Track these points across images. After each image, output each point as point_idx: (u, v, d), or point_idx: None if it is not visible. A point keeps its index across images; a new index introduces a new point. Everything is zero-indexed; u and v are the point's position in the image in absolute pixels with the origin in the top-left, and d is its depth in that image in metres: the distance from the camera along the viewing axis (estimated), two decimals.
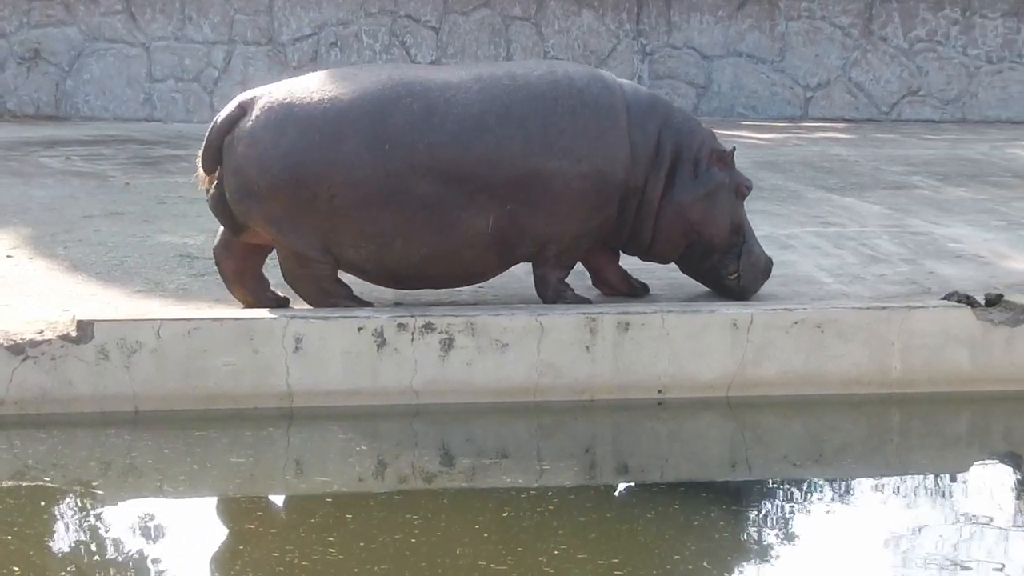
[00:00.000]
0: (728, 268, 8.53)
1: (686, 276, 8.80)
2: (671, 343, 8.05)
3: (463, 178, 7.94)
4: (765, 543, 6.35)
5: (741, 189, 8.52)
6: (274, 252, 8.21)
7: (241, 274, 8.24)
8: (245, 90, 8.25)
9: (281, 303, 8.22)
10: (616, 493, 7.13)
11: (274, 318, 7.81)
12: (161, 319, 7.75)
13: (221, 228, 8.21)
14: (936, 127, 18.72)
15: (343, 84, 8.05)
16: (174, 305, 8.24)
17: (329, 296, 8.11)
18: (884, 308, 8.34)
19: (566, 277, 8.37)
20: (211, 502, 6.87)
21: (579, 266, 8.62)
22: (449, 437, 7.75)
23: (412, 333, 7.83)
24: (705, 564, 6.00)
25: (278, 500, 6.97)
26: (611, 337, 7.99)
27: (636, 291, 8.66)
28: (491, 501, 6.71)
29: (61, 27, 17.89)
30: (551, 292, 8.30)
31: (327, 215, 7.90)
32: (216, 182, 8.02)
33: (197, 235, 10.04)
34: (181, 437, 7.51)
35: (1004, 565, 6.06)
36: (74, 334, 7.63)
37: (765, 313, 8.17)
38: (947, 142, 16.68)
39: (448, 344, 7.86)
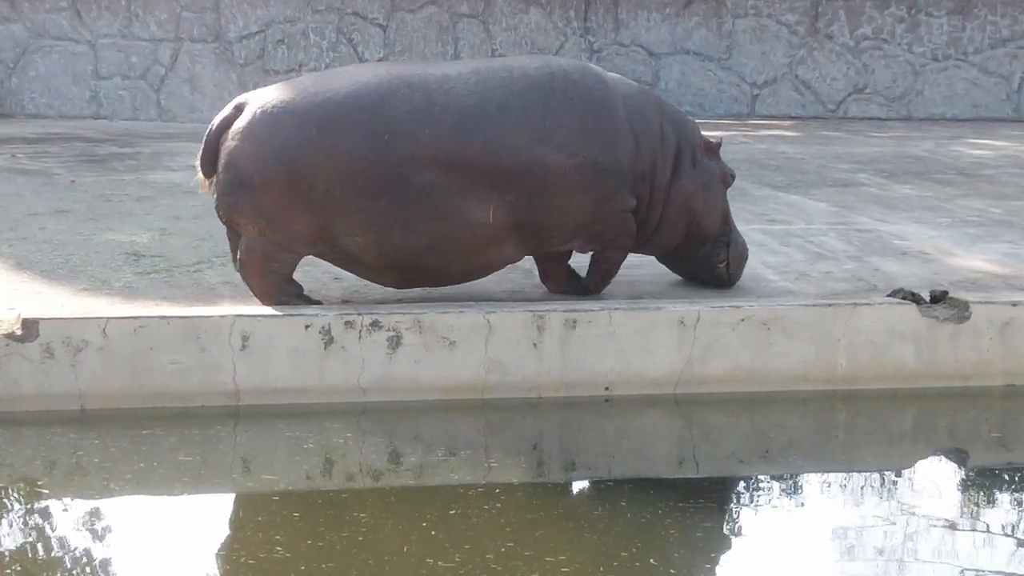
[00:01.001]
0: (719, 256, 8.64)
1: (632, 274, 8.82)
2: (618, 340, 8.06)
3: (464, 167, 7.89)
4: (712, 540, 6.37)
5: (727, 179, 8.64)
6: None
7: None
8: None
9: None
10: (563, 490, 7.14)
11: (221, 316, 7.79)
12: (107, 317, 7.71)
13: None
14: (882, 125, 18.85)
15: (339, 80, 8.06)
16: (120, 303, 8.20)
17: (280, 293, 8.09)
18: (830, 305, 8.38)
19: (623, 260, 8.55)
20: (158, 501, 6.84)
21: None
22: (396, 435, 7.74)
23: (359, 331, 7.82)
24: (652, 561, 6.02)
25: (225, 499, 6.95)
26: (558, 334, 8.00)
27: (583, 289, 8.67)
28: (438, 499, 6.71)
29: (6, 23, 17.79)
30: (602, 270, 8.51)
31: (323, 207, 7.86)
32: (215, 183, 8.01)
33: (143, 233, 10.01)
34: (128, 436, 7.47)
35: (949, 560, 6.11)
36: (19, 332, 7.58)
37: (712, 310, 8.19)
38: (893, 140, 16.80)
39: (396, 342, 7.86)
